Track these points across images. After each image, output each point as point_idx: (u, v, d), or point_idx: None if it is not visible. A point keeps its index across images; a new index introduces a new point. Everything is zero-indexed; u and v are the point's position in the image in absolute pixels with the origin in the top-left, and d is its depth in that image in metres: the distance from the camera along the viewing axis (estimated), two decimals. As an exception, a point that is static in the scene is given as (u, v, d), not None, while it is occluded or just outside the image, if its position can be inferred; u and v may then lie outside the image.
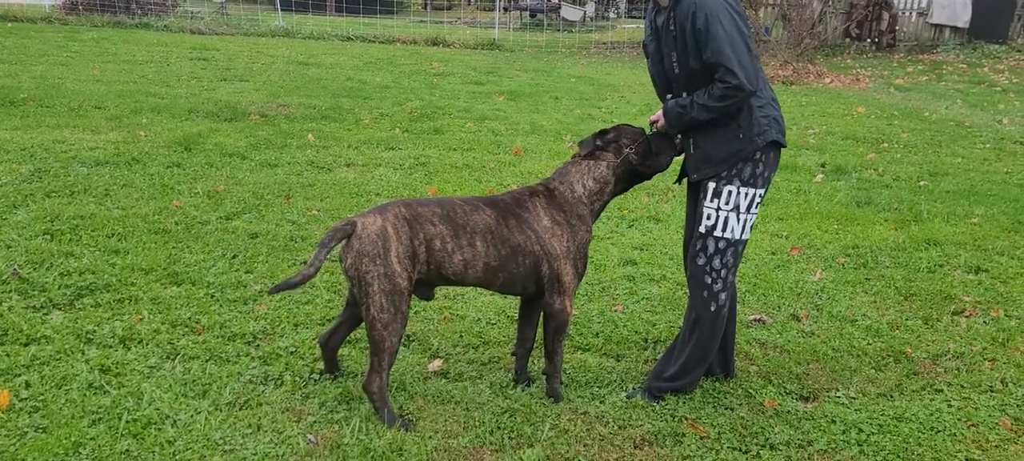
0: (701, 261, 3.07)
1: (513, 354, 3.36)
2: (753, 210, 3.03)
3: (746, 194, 2.99)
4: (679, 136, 3.13)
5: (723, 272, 3.05)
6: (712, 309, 3.09)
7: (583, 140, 3.17)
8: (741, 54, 2.80)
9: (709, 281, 3.06)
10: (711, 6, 2.81)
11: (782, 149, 3.08)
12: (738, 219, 3.01)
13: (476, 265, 2.96)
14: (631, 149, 3.13)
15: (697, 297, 3.10)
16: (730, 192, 2.99)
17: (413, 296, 3.01)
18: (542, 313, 3.15)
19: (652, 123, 3.16)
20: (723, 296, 3.08)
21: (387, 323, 2.84)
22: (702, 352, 3.15)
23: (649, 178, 3.23)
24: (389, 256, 2.82)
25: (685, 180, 3.22)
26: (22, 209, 5.10)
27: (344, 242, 2.86)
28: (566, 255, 3.03)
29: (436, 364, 3.42)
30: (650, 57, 3.14)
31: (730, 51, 2.79)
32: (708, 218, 3.03)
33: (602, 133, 3.17)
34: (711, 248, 3.04)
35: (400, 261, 2.84)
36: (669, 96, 3.09)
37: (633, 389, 3.27)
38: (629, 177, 3.19)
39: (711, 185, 3.02)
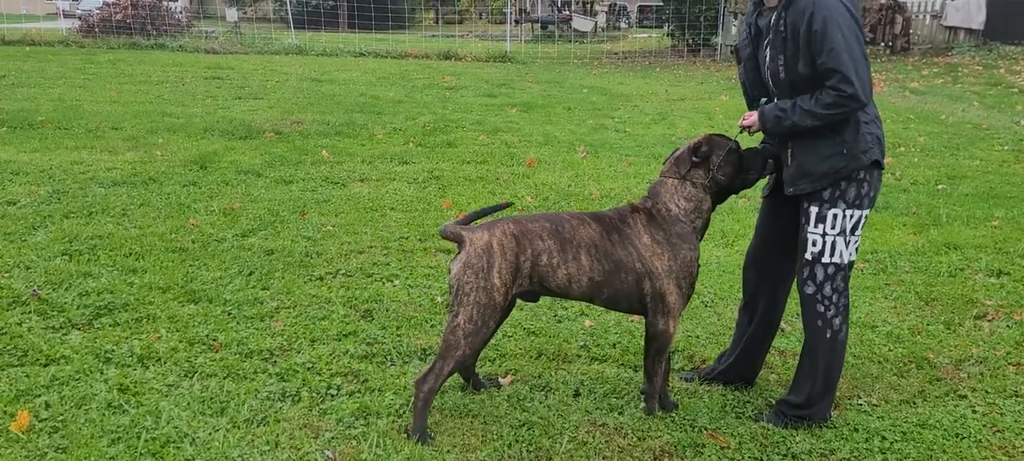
0: (810, 290, 2.93)
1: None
2: (859, 231, 2.89)
3: (852, 216, 2.85)
4: (770, 159, 2.98)
5: (835, 297, 2.92)
6: (828, 336, 2.95)
7: (679, 157, 3.04)
8: (858, 63, 2.65)
9: (822, 309, 2.93)
10: (830, 8, 2.64)
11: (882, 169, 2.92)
12: (845, 242, 2.86)
13: (581, 279, 2.96)
14: (719, 167, 2.99)
15: (811, 326, 2.97)
16: (835, 216, 2.84)
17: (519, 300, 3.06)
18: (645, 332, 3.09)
19: (744, 127, 2.97)
20: (838, 321, 2.94)
21: (469, 333, 2.87)
22: (827, 379, 3.01)
23: (738, 192, 3.12)
24: (491, 271, 2.86)
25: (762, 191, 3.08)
26: (41, 230, 5.15)
27: (456, 250, 2.92)
28: (669, 274, 2.95)
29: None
30: (743, 62, 2.99)
31: (848, 58, 2.62)
32: (813, 244, 2.88)
33: (696, 148, 3.01)
34: (820, 275, 2.90)
35: (501, 276, 2.87)
36: (764, 100, 2.93)
37: (760, 413, 3.16)
38: (720, 191, 3.07)
39: (814, 209, 2.86)
